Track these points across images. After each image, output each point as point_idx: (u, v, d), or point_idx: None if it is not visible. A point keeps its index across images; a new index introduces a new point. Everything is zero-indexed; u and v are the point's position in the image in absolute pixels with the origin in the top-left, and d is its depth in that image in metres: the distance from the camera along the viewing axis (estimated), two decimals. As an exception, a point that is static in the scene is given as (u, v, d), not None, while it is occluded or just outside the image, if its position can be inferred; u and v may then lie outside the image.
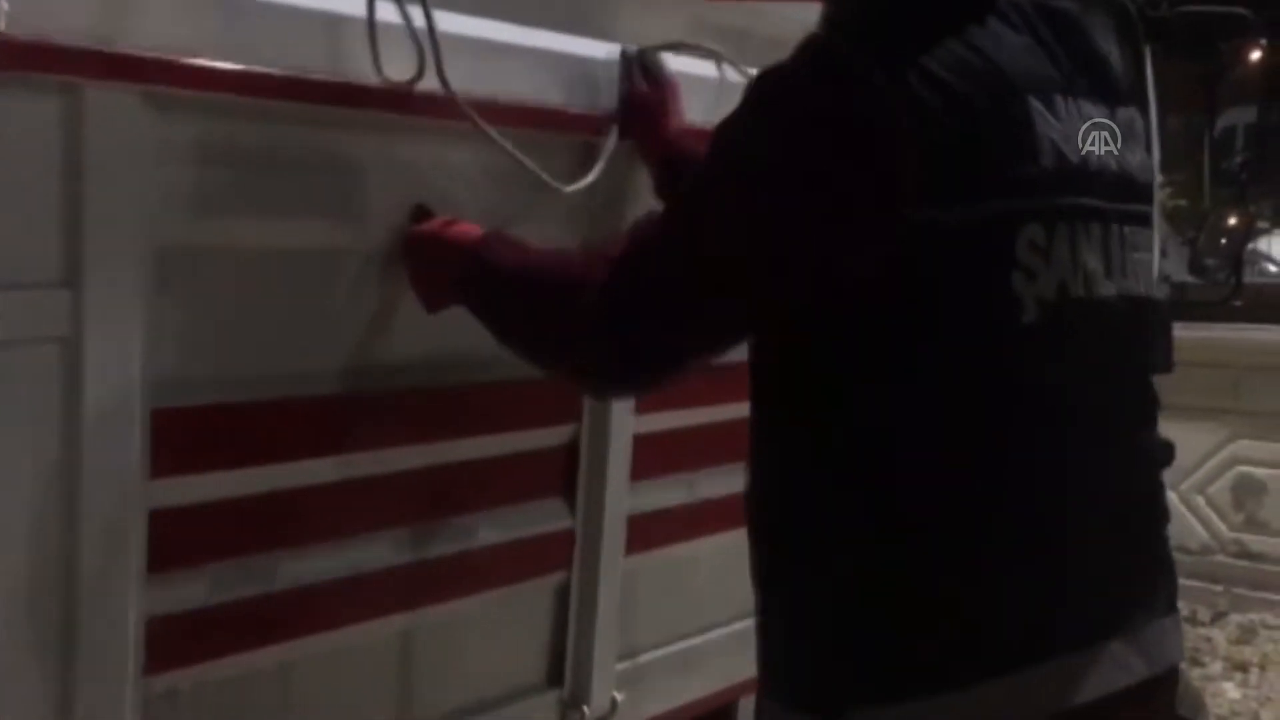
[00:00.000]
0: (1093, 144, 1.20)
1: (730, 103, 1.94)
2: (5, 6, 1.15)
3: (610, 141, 1.70)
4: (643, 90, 1.76)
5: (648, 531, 1.99)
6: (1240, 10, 4.49)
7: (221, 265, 1.39)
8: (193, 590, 1.44)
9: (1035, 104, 1.16)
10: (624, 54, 1.77)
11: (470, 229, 1.47)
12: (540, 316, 1.34)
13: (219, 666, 1.48)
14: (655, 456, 1.96)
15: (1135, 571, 1.25)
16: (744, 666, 2.24)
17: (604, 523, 1.89)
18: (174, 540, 1.40)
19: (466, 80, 1.47)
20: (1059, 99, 1.18)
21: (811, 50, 1.16)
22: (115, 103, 1.22)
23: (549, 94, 1.67)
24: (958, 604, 1.15)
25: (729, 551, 2.17)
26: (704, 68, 1.92)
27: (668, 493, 2.03)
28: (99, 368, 1.27)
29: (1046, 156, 1.16)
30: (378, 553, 1.62)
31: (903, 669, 1.16)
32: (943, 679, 1.15)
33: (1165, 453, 1.30)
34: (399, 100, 1.44)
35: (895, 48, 1.11)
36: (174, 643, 1.41)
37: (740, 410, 2.04)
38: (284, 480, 1.50)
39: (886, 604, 1.17)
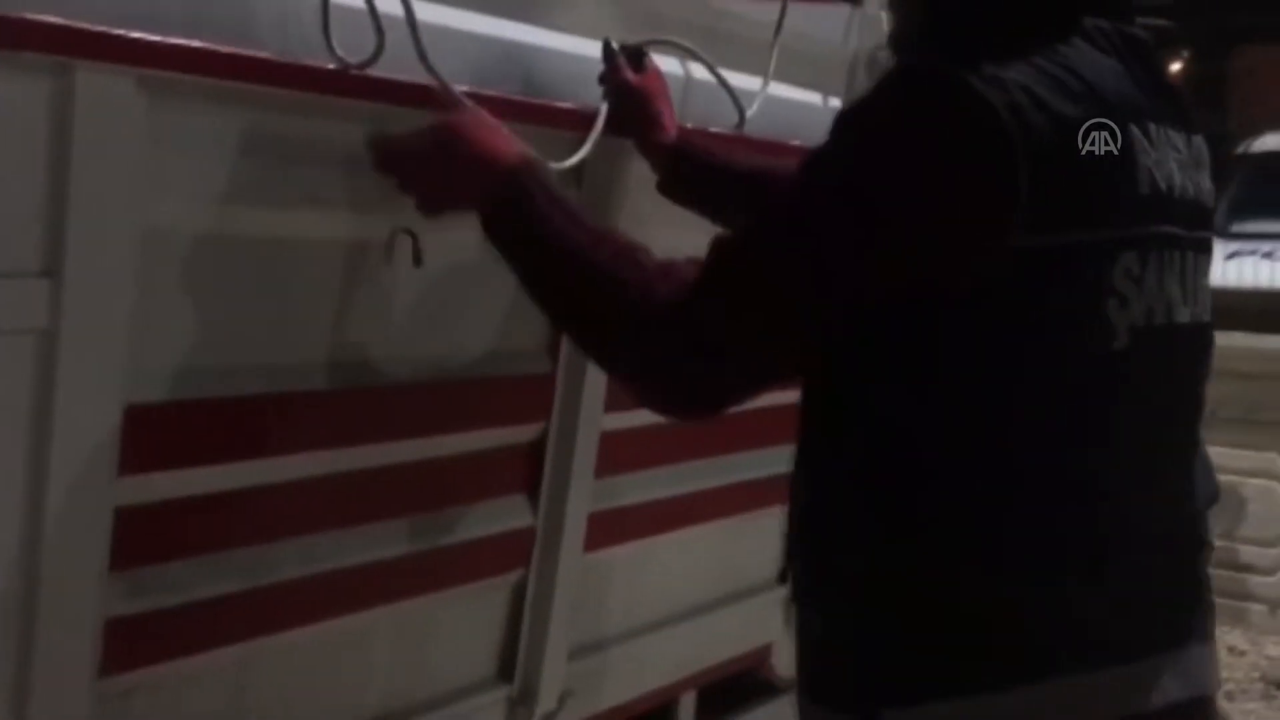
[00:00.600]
0: (1176, 171, 1.21)
1: (701, 100, 1.98)
2: None
3: (598, 124, 1.64)
4: (635, 83, 1.71)
5: (605, 529, 1.97)
6: (1164, 21, 4.60)
7: (206, 256, 1.33)
8: (153, 590, 1.39)
9: (1134, 130, 1.17)
10: (608, 46, 1.72)
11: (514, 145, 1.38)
12: (601, 310, 1.28)
13: (176, 666, 1.43)
14: (618, 454, 1.94)
15: (1176, 595, 1.26)
16: (687, 663, 2.28)
17: (565, 520, 1.86)
18: (137, 539, 1.34)
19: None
20: (1151, 125, 1.19)
21: (920, 74, 1.14)
22: (108, 85, 1.15)
23: (501, 84, 1.60)
24: (1003, 609, 1.15)
25: (677, 549, 2.18)
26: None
27: (628, 490, 2.00)
28: (75, 362, 1.21)
29: (1144, 184, 1.17)
30: (340, 551, 1.57)
31: (937, 669, 1.16)
32: (975, 681, 1.15)
33: (1211, 484, 1.31)
34: (394, 90, 1.38)
35: (997, 70, 1.10)
36: (132, 643, 1.36)
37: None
38: (248, 478, 1.45)
39: (923, 608, 1.17)
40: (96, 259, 1.20)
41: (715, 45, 1.92)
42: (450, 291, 1.60)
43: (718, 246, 1.24)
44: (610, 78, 1.71)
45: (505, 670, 1.91)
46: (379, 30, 1.35)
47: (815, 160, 1.21)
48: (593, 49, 1.75)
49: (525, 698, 1.93)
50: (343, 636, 1.63)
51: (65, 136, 1.14)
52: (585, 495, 1.88)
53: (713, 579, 2.31)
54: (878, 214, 1.13)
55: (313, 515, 1.54)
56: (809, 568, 1.29)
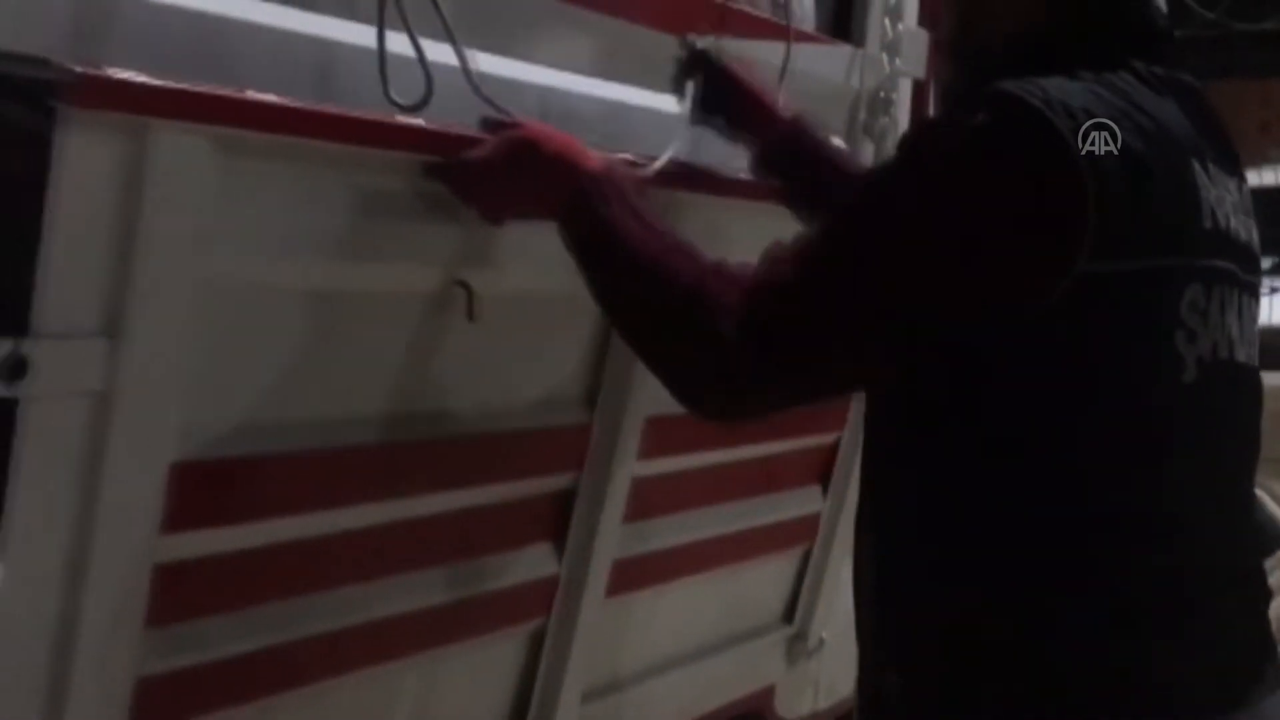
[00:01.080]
0: (1230, 212, 1.22)
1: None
2: None
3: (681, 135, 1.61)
4: (734, 69, 1.71)
5: (628, 575, 1.93)
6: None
7: (259, 311, 1.28)
8: (185, 647, 1.34)
9: (1195, 165, 1.17)
10: (691, 46, 1.73)
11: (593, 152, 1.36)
12: (663, 321, 1.25)
13: (204, 720, 1.39)
14: (645, 500, 1.90)
15: (1253, 644, 1.24)
16: (694, 705, 2.25)
17: (590, 568, 1.82)
18: (172, 596, 1.30)
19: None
20: (1210, 165, 1.20)
21: (990, 99, 1.12)
22: (183, 145, 1.10)
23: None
24: (1090, 662, 1.13)
25: (688, 591, 2.15)
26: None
27: (652, 536, 1.96)
28: (129, 422, 1.16)
29: (1206, 218, 1.18)
30: (368, 603, 1.53)
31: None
32: None
33: (1273, 528, 1.31)
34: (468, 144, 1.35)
35: (1065, 99, 1.10)
36: (163, 699, 1.32)
37: (728, 455, 2.05)
38: (286, 533, 1.41)
39: (1007, 665, 1.15)
40: (157, 318, 1.15)
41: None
42: (495, 344, 1.56)
43: (774, 259, 1.21)
44: (711, 70, 1.71)
45: (518, 715, 1.88)
46: (427, 75, 1.31)
47: (882, 180, 1.19)
48: (600, 88, 1.74)
49: (538, 743, 1.89)
50: (361, 686, 1.59)
51: (136, 197, 1.09)
52: (612, 543, 1.85)
53: (720, 620, 2.28)
54: (945, 240, 1.12)
55: (345, 568, 1.49)
56: (886, 623, 1.26)
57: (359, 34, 1.40)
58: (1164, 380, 1.13)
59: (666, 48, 1.79)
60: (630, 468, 1.81)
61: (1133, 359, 1.12)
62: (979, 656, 1.16)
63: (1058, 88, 1.11)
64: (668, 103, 1.81)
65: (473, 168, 1.35)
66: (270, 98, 1.15)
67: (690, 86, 1.70)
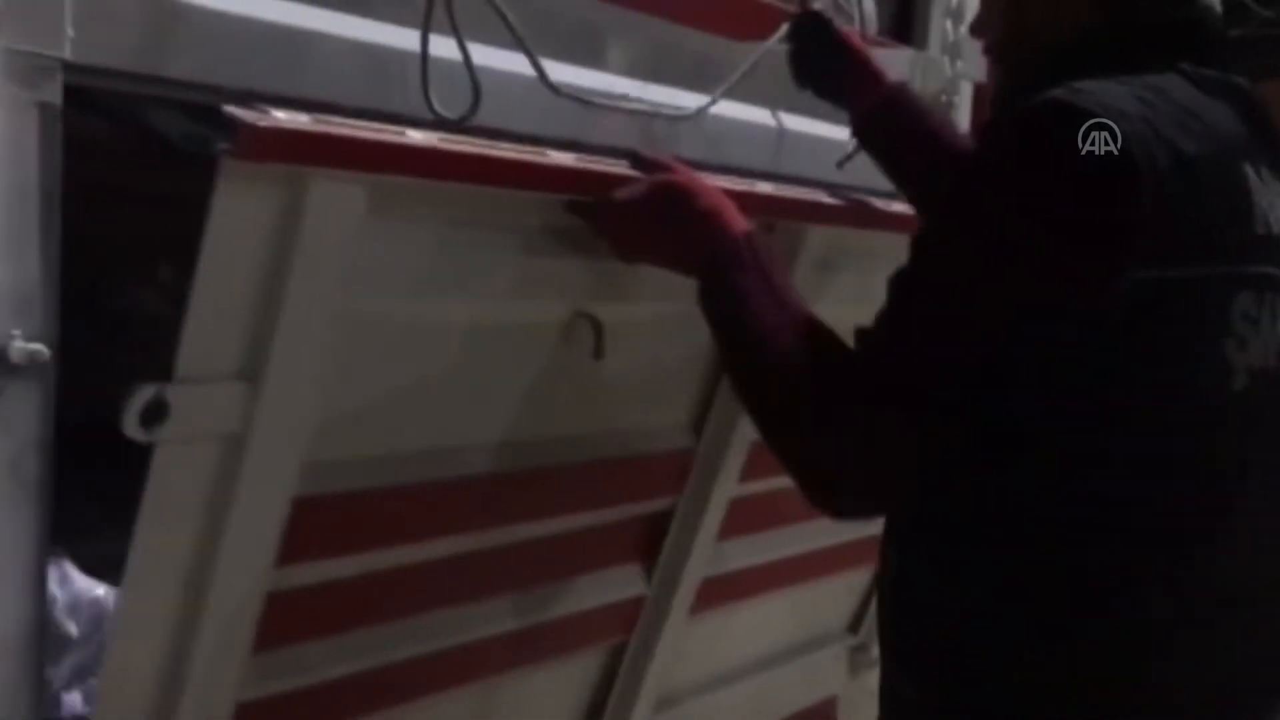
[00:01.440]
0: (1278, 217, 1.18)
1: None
2: (70, 33, 1.01)
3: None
4: (843, 37, 1.70)
5: (713, 593, 1.91)
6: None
7: (388, 350, 1.25)
8: (285, 672, 1.33)
9: (1248, 169, 1.14)
10: (805, 4, 1.76)
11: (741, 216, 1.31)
12: (776, 411, 1.20)
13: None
14: (737, 520, 1.87)
15: (1270, 656, 1.21)
16: (761, 716, 2.24)
17: (679, 589, 1.80)
18: (277, 623, 1.29)
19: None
20: (1262, 168, 1.16)
21: (1046, 110, 1.08)
22: (339, 193, 1.05)
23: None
24: (1106, 675, 1.10)
25: (761, 603, 2.13)
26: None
27: (738, 555, 1.94)
28: (258, 462, 1.14)
29: (1259, 224, 1.14)
30: (462, 626, 1.51)
31: None
32: None
33: None
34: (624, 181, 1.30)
35: (1116, 104, 1.06)
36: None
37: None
38: (390, 561, 1.39)
39: (1021, 674, 1.12)
40: (294, 362, 1.12)
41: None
42: (610, 373, 1.52)
43: (864, 337, 1.17)
44: (821, 31, 1.71)
45: (591, 724, 1.87)
46: (475, 84, 1.26)
47: (945, 218, 1.16)
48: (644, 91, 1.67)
49: (608, 755, 1.88)
50: (442, 705, 1.58)
51: (288, 245, 1.05)
52: (704, 563, 1.82)
53: (788, 630, 2.27)
54: (1009, 254, 1.07)
55: (441, 593, 1.48)
56: (902, 632, 1.24)
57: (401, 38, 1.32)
58: (1213, 388, 1.10)
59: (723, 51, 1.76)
60: (729, 490, 1.78)
61: (1182, 367, 1.09)
62: (990, 665, 1.14)
63: (1107, 92, 1.08)
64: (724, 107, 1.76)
65: (621, 208, 1.31)
66: (429, 140, 1.10)
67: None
